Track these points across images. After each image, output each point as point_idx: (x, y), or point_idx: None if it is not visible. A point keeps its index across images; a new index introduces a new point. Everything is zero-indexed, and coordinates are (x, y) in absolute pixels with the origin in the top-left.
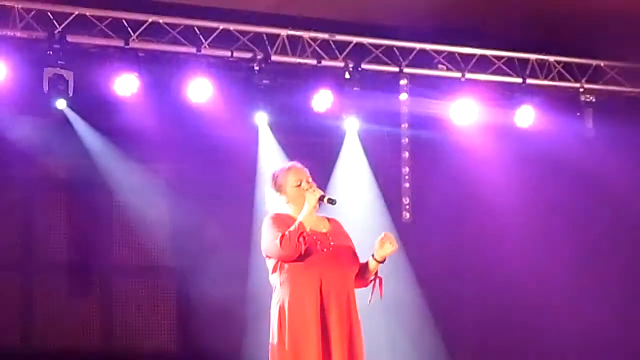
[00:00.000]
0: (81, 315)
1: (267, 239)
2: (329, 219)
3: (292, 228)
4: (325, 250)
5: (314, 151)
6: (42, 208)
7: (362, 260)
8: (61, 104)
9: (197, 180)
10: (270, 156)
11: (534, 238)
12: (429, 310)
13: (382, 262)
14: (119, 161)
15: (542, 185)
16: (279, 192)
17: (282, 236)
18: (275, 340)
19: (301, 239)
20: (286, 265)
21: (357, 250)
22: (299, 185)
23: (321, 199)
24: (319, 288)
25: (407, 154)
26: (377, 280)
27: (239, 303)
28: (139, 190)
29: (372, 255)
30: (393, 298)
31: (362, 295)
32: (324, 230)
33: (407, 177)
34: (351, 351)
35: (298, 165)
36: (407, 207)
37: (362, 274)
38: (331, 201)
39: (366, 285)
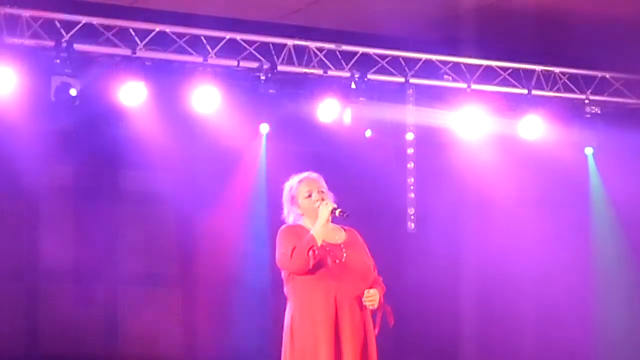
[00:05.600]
0: (86, 324)
1: (279, 252)
2: (345, 229)
3: (302, 242)
4: (337, 261)
5: (320, 161)
6: (48, 216)
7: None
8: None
9: (203, 189)
10: (276, 166)
11: (539, 247)
12: (434, 319)
13: None
14: (125, 170)
15: (547, 196)
16: (292, 204)
17: (293, 249)
18: (287, 351)
19: (310, 252)
20: (298, 277)
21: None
22: (310, 197)
23: (333, 211)
24: (334, 300)
25: (412, 164)
26: (384, 311)
27: (244, 312)
28: (145, 199)
29: None
30: (398, 307)
31: None
32: (339, 242)
33: (412, 187)
34: None
35: (312, 175)
36: (412, 217)
37: None
38: (342, 214)
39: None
